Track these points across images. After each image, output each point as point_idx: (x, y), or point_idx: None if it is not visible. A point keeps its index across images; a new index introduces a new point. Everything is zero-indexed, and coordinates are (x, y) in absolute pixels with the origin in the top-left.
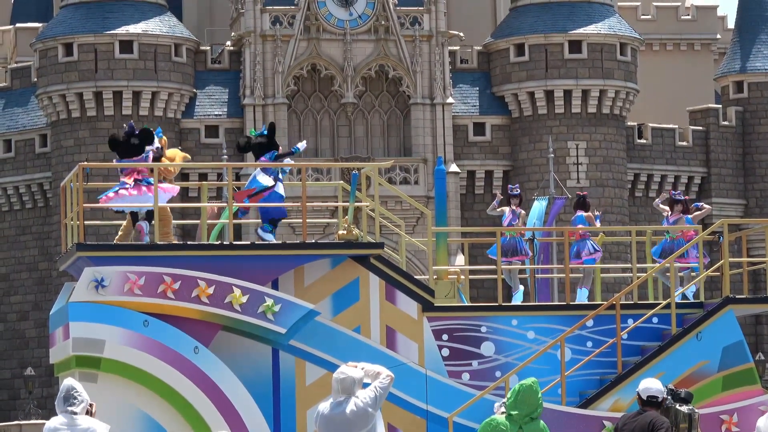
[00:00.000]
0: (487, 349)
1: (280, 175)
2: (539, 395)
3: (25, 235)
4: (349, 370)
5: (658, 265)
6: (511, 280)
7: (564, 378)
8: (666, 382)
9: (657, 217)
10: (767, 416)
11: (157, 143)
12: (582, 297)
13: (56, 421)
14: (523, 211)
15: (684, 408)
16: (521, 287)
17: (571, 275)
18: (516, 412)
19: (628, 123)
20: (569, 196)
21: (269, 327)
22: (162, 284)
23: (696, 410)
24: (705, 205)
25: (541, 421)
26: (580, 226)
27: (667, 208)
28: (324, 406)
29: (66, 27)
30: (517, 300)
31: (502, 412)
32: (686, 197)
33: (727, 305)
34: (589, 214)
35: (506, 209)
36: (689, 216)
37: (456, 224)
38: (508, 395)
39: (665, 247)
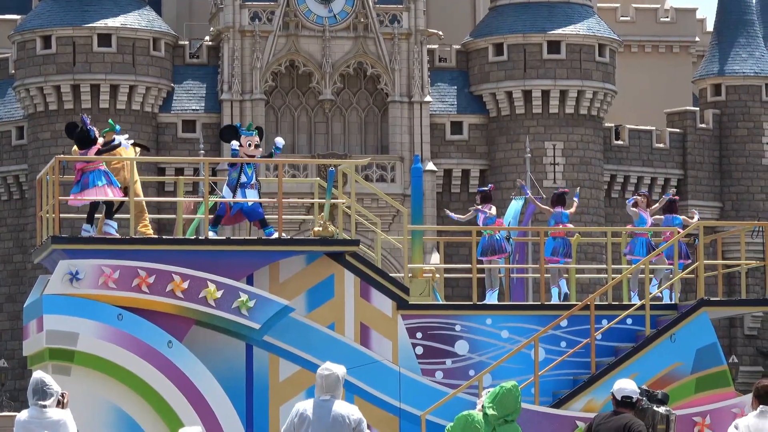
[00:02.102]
0: (461, 347)
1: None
2: (518, 400)
3: (0, 227)
4: (334, 366)
5: (632, 266)
6: (492, 280)
7: (537, 377)
8: (639, 383)
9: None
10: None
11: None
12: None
13: (26, 414)
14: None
15: (661, 409)
16: (496, 289)
17: (547, 275)
18: (491, 413)
19: (606, 124)
20: (544, 196)
21: (243, 322)
22: (137, 278)
23: (673, 411)
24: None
25: (517, 425)
26: (560, 225)
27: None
28: (304, 406)
29: (44, 19)
30: (492, 299)
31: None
32: (676, 197)
33: (701, 307)
34: (572, 210)
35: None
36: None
37: (432, 223)
38: (488, 395)
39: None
